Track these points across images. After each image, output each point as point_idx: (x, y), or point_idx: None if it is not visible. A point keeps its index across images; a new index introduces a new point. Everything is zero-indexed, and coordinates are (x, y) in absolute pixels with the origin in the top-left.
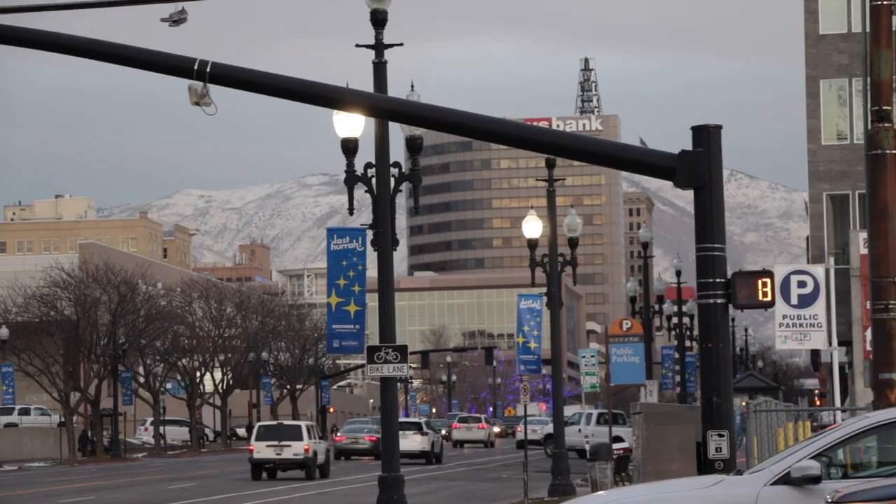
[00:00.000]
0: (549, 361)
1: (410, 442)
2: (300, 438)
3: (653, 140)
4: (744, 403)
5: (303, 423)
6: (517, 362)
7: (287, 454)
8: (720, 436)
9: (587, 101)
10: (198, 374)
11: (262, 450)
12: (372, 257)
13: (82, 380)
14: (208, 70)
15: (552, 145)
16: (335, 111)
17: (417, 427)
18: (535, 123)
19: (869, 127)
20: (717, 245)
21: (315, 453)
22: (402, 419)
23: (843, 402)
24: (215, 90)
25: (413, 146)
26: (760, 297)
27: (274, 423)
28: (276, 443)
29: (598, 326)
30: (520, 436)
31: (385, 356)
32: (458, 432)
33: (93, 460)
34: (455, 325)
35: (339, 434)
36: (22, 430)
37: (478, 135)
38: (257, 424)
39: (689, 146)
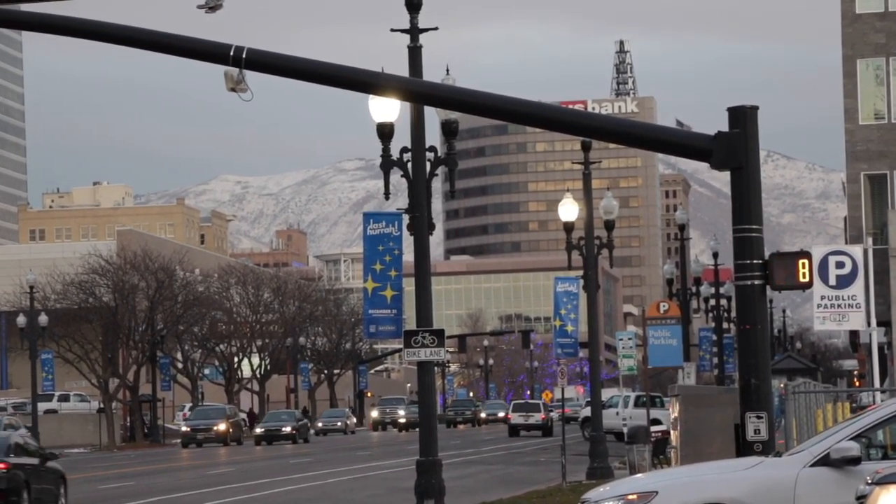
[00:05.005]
0: (586, 344)
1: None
2: (539, 411)
3: (689, 121)
4: (782, 385)
5: (539, 401)
6: (554, 346)
7: (531, 420)
8: (759, 418)
9: (623, 83)
10: (235, 359)
11: (516, 418)
12: (408, 241)
13: (121, 366)
14: (244, 56)
15: (588, 128)
16: (371, 96)
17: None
18: (570, 106)
19: None
20: (754, 226)
21: (549, 420)
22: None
23: (882, 382)
24: (251, 76)
25: (448, 130)
26: (798, 279)
27: (522, 400)
28: (524, 413)
29: (635, 309)
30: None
31: (422, 340)
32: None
33: (132, 446)
34: (492, 309)
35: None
36: (61, 417)
37: (513, 118)
38: (513, 402)
39: (725, 127)
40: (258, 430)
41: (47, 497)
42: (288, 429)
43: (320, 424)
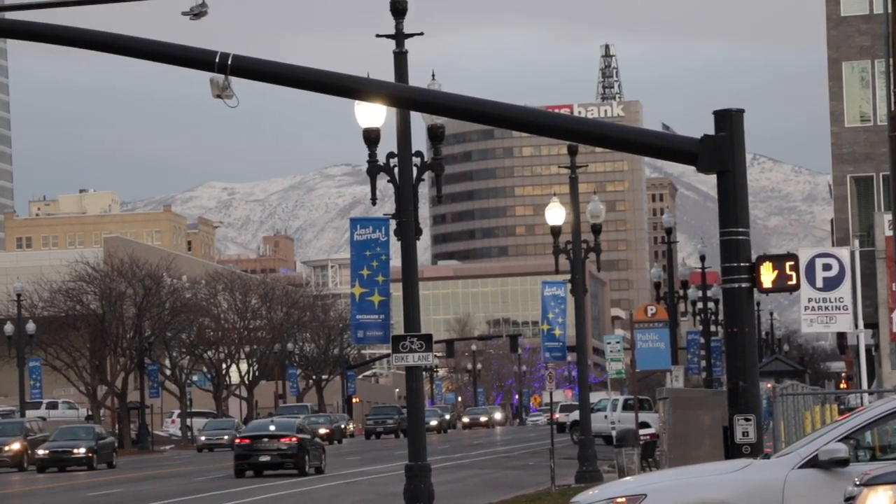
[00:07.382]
0: (574, 348)
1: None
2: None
3: (675, 125)
4: (770, 387)
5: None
6: (542, 350)
7: (573, 418)
8: (747, 420)
9: (608, 87)
10: (223, 365)
11: (563, 418)
12: (395, 247)
13: (109, 373)
14: (229, 63)
15: (574, 132)
16: (357, 102)
17: None
18: (556, 111)
19: (892, 108)
20: (741, 229)
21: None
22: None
23: (869, 384)
24: (237, 83)
25: (435, 135)
26: (785, 281)
27: (568, 402)
28: (568, 413)
29: (622, 312)
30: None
31: (410, 345)
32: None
33: (120, 453)
34: (479, 314)
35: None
36: (50, 424)
37: (500, 123)
38: (560, 403)
39: (711, 131)
40: (40, 452)
41: (316, 460)
42: (82, 450)
43: (203, 438)
